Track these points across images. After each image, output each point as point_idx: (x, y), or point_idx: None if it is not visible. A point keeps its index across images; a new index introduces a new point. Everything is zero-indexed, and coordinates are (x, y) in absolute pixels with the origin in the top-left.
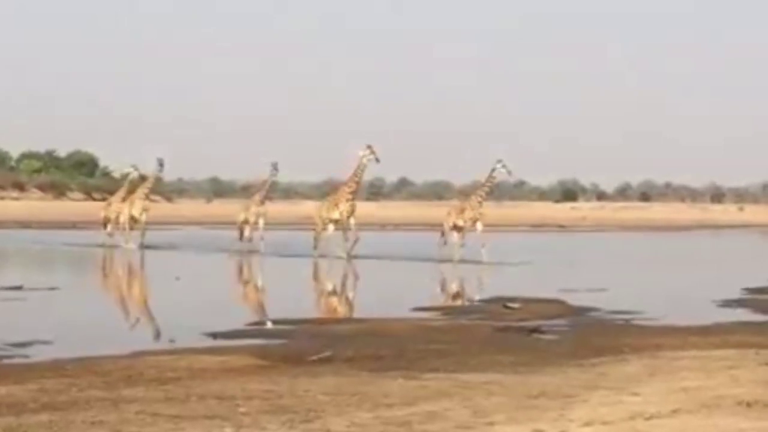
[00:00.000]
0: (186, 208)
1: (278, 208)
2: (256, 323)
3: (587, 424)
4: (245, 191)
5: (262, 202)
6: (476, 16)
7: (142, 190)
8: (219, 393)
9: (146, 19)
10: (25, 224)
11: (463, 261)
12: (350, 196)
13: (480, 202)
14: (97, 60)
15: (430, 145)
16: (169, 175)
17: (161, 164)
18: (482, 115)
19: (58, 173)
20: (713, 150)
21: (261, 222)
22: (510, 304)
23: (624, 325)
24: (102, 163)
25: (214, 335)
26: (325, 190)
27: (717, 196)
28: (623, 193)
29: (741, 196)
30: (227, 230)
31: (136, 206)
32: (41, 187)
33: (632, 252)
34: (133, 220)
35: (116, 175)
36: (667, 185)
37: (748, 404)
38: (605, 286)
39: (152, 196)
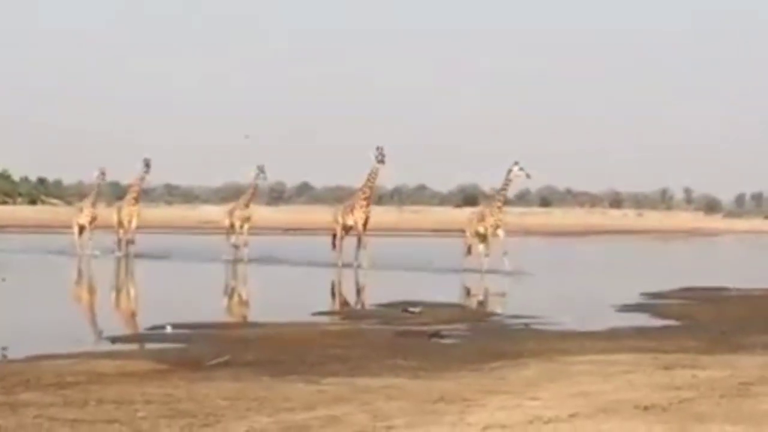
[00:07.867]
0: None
1: (179, 212)
2: (155, 327)
3: (486, 428)
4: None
5: (247, 206)
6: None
7: (130, 195)
8: (117, 397)
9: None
10: None
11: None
12: (365, 203)
13: (500, 208)
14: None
15: (331, 149)
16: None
17: (147, 165)
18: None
19: None
20: (612, 155)
21: (246, 227)
22: (410, 309)
23: (523, 330)
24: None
25: (113, 339)
26: (225, 195)
27: (616, 201)
28: (523, 198)
29: (640, 202)
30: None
31: (125, 212)
32: None
33: (531, 257)
34: (120, 225)
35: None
36: (567, 191)
37: (645, 408)
38: (505, 291)
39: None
